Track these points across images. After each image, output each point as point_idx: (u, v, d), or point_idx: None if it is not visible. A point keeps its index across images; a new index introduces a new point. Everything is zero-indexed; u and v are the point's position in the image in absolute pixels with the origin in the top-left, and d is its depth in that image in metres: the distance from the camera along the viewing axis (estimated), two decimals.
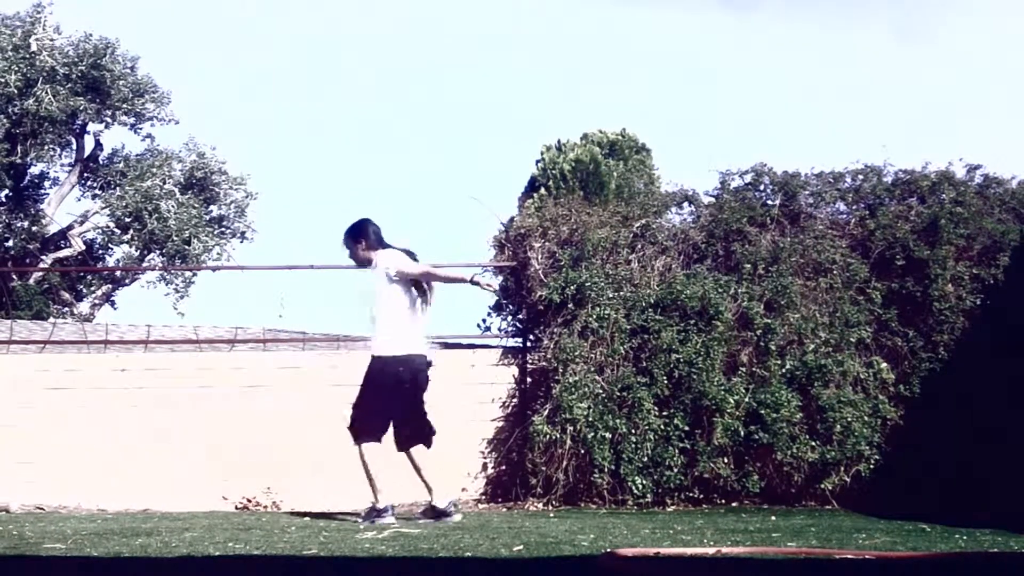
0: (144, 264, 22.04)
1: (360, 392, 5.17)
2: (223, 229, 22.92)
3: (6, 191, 21.52)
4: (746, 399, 6.22)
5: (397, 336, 5.12)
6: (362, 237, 5.26)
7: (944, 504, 5.67)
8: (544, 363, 6.57)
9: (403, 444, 5.20)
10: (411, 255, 5.29)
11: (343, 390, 6.69)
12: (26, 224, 21.18)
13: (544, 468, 6.28)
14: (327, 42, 46.23)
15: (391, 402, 5.13)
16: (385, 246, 5.28)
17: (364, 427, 5.09)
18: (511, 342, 7.03)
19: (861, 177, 7.04)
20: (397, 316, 5.14)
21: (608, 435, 6.15)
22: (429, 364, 5.26)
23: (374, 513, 5.05)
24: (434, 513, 5.15)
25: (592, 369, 6.36)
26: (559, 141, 22.14)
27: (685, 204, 7.17)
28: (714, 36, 45.69)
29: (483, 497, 6.68)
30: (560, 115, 42.02)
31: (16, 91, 19.50)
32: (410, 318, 5.19)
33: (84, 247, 21.40)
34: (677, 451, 6.17)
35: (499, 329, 7.13)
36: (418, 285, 5.27)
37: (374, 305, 5.18)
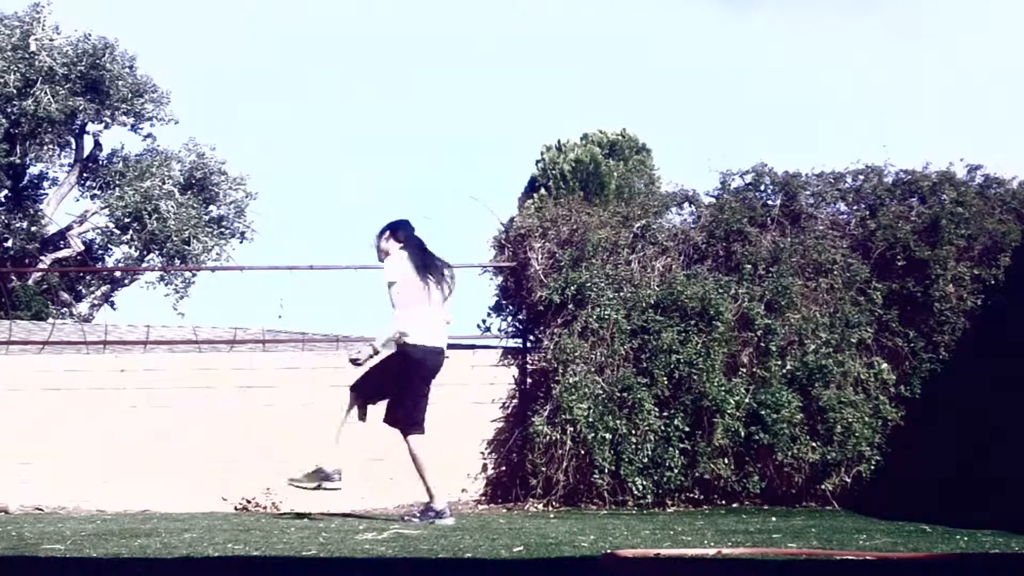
0: (143, 264, 22.02)
1: (395, 387, 5.25)
2: (223, 229, 22.91)
3: (5, 191, 21.51)
4: (746, 400, 6.22)
5: (411, 327, 5.13)
6: (391, 234, 5.30)
7: (945, 505, 5.66)
8: (544, 364, 6.56)
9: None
10: (422, 255, 5.27)
11: (343, 391, 6.71)
12: (25, 224, 21.16)
13: (544, 469, 6.27)
14: (327, 42, 46.24)
15: (418, 389, 5.26)
16: (411, 244, 5.27)
17: (407, 419, 5.21)
18: (511, 342, 7.03)
19: (862, 177, 7.04)
20: (408, 309, 5.13)
21: (608, 436, 6.14)
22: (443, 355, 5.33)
23: (432, 513, 5.09)
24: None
25: (592, 370, 6.35)
26: (559, 141, 22.16)
27: (685, 204, 7.16)
28: (714, 36, 45.70)
29: (483, 498, 6.67)
30: (560, 115, 42.04)
31: (15, 91, 19.49)
32: (423, 310, 5.16)
33: (83, 247, 21.38)
34: (677, 452, 6.16)
35: (499, 329, 7.13)
36: (435, 277, 5.27)
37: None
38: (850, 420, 6.18)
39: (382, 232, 5.35)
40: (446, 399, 6.81)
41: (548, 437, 6.21)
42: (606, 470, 6.14)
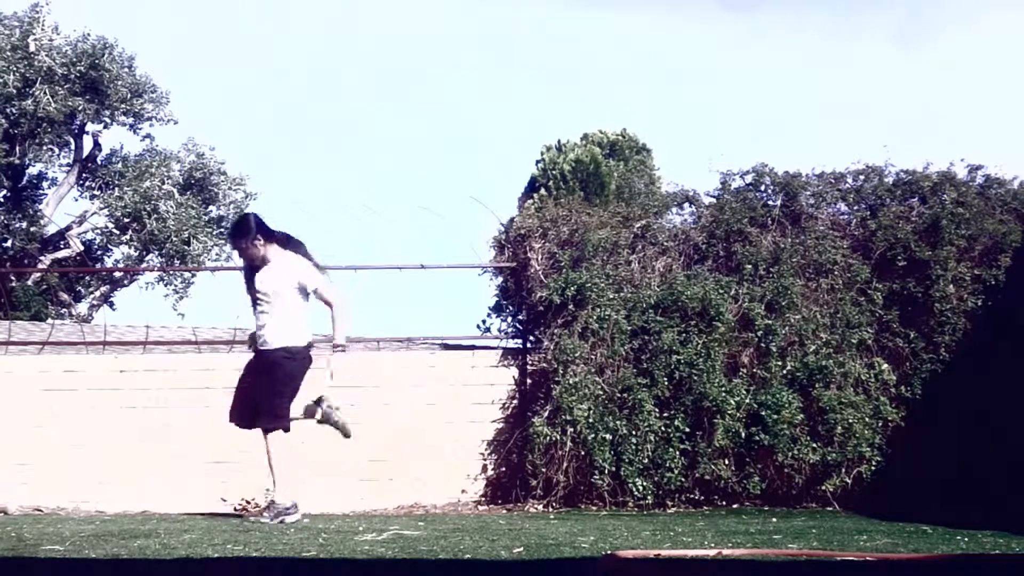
0: (143, 265, 22.01)
1: (278, 385, 5.16)
2: (222, 230, 22.88)
3: (4, 192, 21.48)
4: (747, 400, 6.21)
5: (302, 328, 5.24)
6: (259, 233, 5.20)
7: (945, 506, 5.66)
8: (544, 364, 6.55)
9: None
10: (308, 256, 5.35)
11: (342, 391, 6.69)
12: (24, 225, 21.14)
13: (544, 470, 6.26)
14: (327, 42, 46.25)
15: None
16: (282, 242, 5.27)
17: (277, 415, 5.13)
18: (511, 343, 7.01)
19: (862, 178, 7.03)
20: (299, 312, 5.24)
21: (608, 437, 6.13)
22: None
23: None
24: (273, 510, 5.06)
25: (592, 370, 6.34)
26: (559, 141, 22.18)
27: (686, 204, 7.15)
28: (714, 36, 45.71)
29: (483, 499, 6.67)
30: (560, 115, 42.03)
31: (14, 91, 19.47)
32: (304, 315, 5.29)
33: (83, 248, 21.36)
34: (678, 453, 6.16)
35: (499, 330, 7.12)
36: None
37: (269, 301, 5.18)
38: (851, 421, 6.17)
39: (251, 235, 5.18)
40: (447, 399, 6.82)
41: (548, 438, 6.20)
42: (606, 471, 6.13)
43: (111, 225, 21.62)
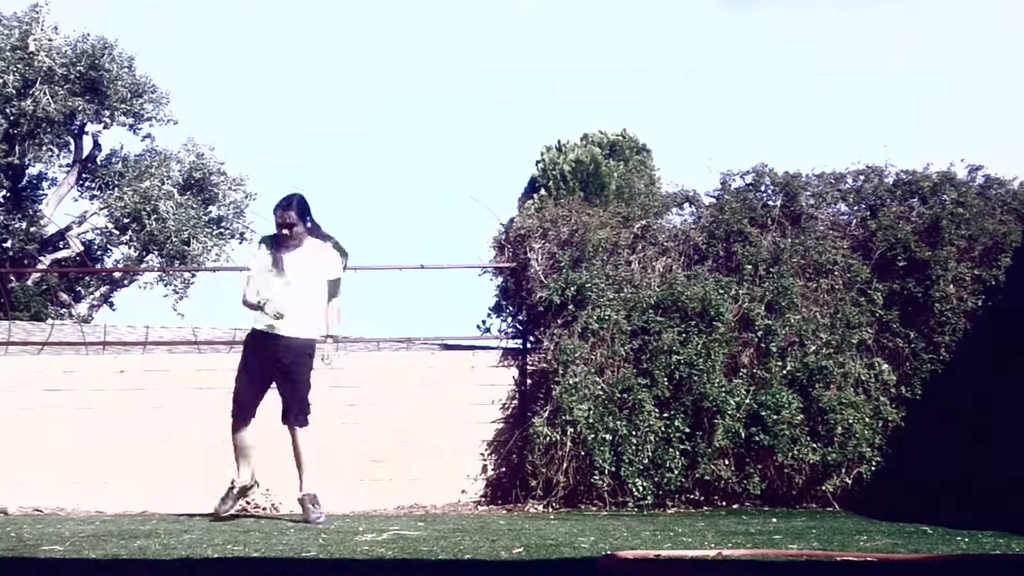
0: (143, 265, 22.01)
1: (306, 376, 5.30)
2: (222, 230, 22.89)
3: (4, 192, 21.49)
4: (747, 401, 6.21)
5: (321, 322, 5.34)
6: (309, 217, 5.25)
7: (946, 506, 5.65)
8: (544, 364, 6.55)
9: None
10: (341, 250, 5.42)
11: (342, 392, 6.72)
12: (24, 225, 21.14)
13: (544, 470, 6.26)
14: (327, 42, 46.26)
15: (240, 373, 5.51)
16: (317, 234, 5.30)
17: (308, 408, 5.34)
18: (511, 343, 7.01)
19: (862, 178, 7.03)
20: (323, 306, 5.32)
21: (608, 437, 6.13)
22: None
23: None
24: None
25: (592, 370, 6.34)
26: (559, 141, 22.20)
27: (686, 205, 7.15)
28: (715, 35, 45.72)
29: (483, 499, 6.66)
30: (560, 115, 42.04)
31: (14, 91, 19.46)
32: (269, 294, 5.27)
33: (82, 248, 21.36)
34: (678, 453, 6.16)
35: (499, 330, 7.12)
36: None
37: (295, 285, 5.19)
38: (851, 421, 6.17)
39: (305, 215, 5.20)
40: (447, 400, 6.82)
41: (548, 438, 6.20)
42: (606, 471, 6.13)
43: (111, 225, 21.63)
